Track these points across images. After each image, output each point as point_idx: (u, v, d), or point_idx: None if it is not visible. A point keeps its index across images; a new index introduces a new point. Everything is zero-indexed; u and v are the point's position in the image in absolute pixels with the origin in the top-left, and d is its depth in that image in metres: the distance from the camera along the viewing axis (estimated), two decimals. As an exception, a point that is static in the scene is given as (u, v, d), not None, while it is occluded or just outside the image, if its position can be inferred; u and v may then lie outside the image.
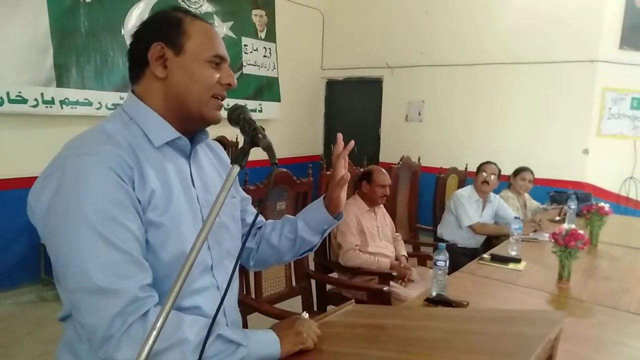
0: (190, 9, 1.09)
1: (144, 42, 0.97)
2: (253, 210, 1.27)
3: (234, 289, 1.15)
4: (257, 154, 0.88)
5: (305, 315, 1.11)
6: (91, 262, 0.82)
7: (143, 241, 0.90)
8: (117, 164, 0.87)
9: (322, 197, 1.19)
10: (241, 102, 5.07)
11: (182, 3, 4.54)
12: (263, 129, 0.89)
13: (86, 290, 0.82)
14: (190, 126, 1.02)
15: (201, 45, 0.97)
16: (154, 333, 0.66)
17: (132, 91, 1.01)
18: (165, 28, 0.97)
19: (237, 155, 0.84)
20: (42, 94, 3.55)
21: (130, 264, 0.85)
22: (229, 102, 1.01)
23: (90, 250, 0.82)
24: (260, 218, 1.30)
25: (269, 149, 0.86)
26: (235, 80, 1.02)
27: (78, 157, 0.87)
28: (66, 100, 3.70)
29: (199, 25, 0.99)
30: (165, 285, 0.91)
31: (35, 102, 3.52)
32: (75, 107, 3.76)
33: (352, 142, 1.16)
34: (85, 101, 3.84)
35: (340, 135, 1.16)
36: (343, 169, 1.14)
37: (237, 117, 0.92)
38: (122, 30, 4.06)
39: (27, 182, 3.93)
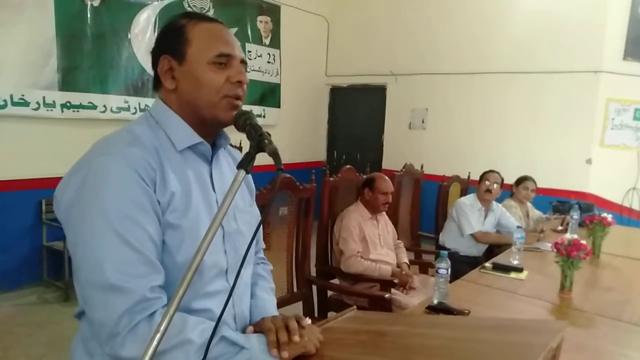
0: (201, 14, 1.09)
1: (155, 56, 1.01)
2: None
3: (246, 296, 1.15)
4: (261, 159, 0.89)
5: (308, 320, 1.11)
6: (105, 258, 0.84)
7: (159, 243, 0.91)
8: (141, 165, 0.90)
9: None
10: (246, 108, 5.09)
11: (188, 9, 4.58)
12: (269, 135, 0.90)
13: (97, 285, 0.84)
14: (209, 130, 1.04)
15: (202, 48, 0.98)
16: (158, 336, 0.67)
17: (159, 96, 1.04)
18: (169, 39, 1.00)
19: (243, 160, 0.85)
20: (44, 97, 3.58)
21: (143, 264, 0.87)
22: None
23: (106, 246, 0.84)
24: (260, 245, 1.32)
25: (275, 154, 0.86)
26: (246, 77, 1.02)
27: (104, 156, 0.90)
28: (67, 104, 3.72)
29: (200, 27, 1.00)
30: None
31: (37, 105, 3.55)
32: (78, 111, 3.78)
33: None
34: (89, 104, 3.86)
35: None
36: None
37: (244, 122, 0.93)
38: (129, 35, 4.09)
39: (29, 184, 3.96)
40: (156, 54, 1.01)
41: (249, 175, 0.85)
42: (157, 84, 1.03)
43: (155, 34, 1.06)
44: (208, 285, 1.00)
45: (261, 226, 0.94)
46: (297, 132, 6.21)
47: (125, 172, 0.88)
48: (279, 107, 5.83)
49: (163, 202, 0.92)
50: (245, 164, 0.84)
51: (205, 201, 1.00)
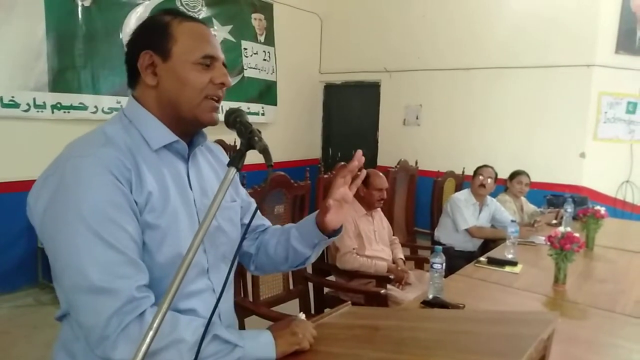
0: (187, 13, 1.08)
1: (134, 51, 0.98)
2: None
3: (229, 292, 1.15)
4: (255, 157, 0.89)
5: (302, 316, 1.11)
6: (88, 262, 0.83)
7: (140, 242, 0.90)
8: (115, 166, 0.88)
9: (316, 212, 1.12)
10: (244, 105, 5.09)
11: (180, 7, 4.56)
12: (259, 132, 0.90)
13: (83, 289, 0.83)
14: (187, 129, 1.03)
15: (188, 47, 0.96)
16: (151, 333, 0.67)
17: (132, 95, 1.02)
18: (152, 35, 0.98)
19: (234, 157, 0.84)
20: (34, 99, 3.56)
21: (127, 265, 0.86)
22: (232, 105, 1.00)
23: (88, 250, 0.83)
24: (263, 221, 1.28)
25: (264, 151, 0.86)
26: (230, 80, 1.01)
27: (77, 158, 0.88)
28: (58, 105, 3.70)
29: (186, 26, 0.98)
30: (160, 286, 0.92)
31: (27, 107, 3.52)
32: (69, 112, 3.77)
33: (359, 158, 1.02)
34: (80, 105, 3.84)
35: (359, 152, 1.03)
36: (340, 189, 1.04)
37: (234, 120, 0.93)
38: (121, 34, 4.07)
39: (22, 186, 3.95)
40: (136, 48, 0.98)
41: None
42: (133, 80, 1.01)
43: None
44: (190, 285, 0.99)
45: (255, 214, 0.93)
46: (293, 130, 6.21)
47: (99, 173, 0.87)
48: (275, 104, 5.82)
49: (140, 202, 0.91)
50: (236, 161, 0.84)
51: (182, 200, 0.99)
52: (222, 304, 1.08)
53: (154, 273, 0.91)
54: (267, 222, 1.29)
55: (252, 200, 1.26)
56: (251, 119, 0.94)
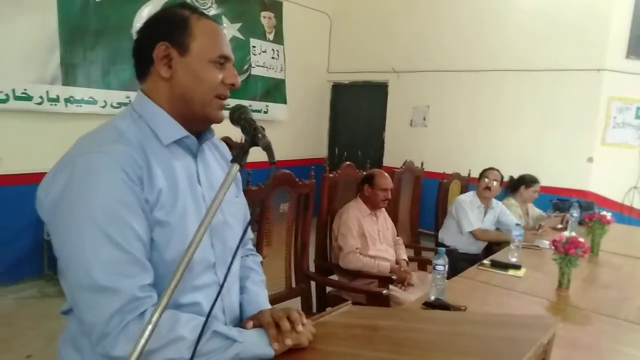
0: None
1: (149, 41, 0.97)
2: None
3: (235, 287, 1.16)
4: (262, 154, 0.89)
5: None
6: (93, 260, 0.83)
7: (147, 242, 0.91)
8: (128, 163, 0.89)
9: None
10: (248, 103, 5.09)
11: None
12: (263, 129, 0.90)
13: (86, 287, 0.84)
14: (194, 125, 1.03)
15: (206, 45, 0.97)
16: (150, 327, 0.68)
17: (141, 89, 1.02)
18: (170, 27, 0.97)
19: (238, 154, 0.85)
20: (47, 92, 3.58)
21: (132, 264, 0.87)
22: (237, 103, 1.02)
23: (94, 248, 0.84)
24: (249, 245, 1.31)
25: (268, 148, 0.86)
26: (239, 80, 1.03)
27: (89, 154, 0.88)
28: (71, 99, 3.73)
29: (205, 24, 0.99)
30: (166, 283, 0.92)
31: (40, 100, 3.55)
32: (80, 106, 3.79)
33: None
34: (91, 99, 3.87)
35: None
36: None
37: (239, 117, 0.93)
38: (132, 29, 4.09)
39: (31, 178, 3.97)
40: (150, 39, 0.97)
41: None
42: (143, 71, 1.01)
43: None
44: (196, 279, 1.00)
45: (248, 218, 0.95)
46: (299, 128, 6.21)
47: (111, 171, 0.87)
48: (284, 102, 5.80)
49: (151, 200, 0.91)
50: (240, 157, 0.84)
51: (192, 195, 1.00)
52: (227, 299, 1.09)
53: (160, 270, 0.92)
54: (250, 249, 1.31)
55: (246, 203, 1.25)
56: (256, 116, 0.94)
